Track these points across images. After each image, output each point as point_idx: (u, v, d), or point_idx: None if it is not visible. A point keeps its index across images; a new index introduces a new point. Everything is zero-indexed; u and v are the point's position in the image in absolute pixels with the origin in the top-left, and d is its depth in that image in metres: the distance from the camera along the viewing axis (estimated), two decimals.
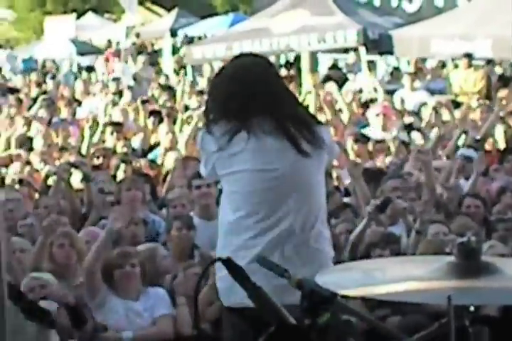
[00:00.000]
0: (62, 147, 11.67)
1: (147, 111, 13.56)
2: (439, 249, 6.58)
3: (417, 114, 13.89)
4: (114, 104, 15.08)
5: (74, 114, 15.43)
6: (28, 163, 10.75)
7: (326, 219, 4.81)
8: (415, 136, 11.82)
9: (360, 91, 16.57)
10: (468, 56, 17.26)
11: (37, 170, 10.57)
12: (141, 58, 24.98)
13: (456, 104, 14.20)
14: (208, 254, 7.00)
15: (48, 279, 6.50)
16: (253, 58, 5.03)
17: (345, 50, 20.69)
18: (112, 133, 12.00)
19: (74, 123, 13.80)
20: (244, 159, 4.60)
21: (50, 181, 9.24)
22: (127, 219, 7.04)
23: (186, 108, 13.97)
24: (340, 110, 13.89)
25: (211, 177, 5.04)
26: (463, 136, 11.19)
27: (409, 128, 12.38)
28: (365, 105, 14.77)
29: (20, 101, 16.35)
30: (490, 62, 18.58)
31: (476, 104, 14.29)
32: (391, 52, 19.64)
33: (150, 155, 11.66)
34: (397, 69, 20.41)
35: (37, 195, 9.27)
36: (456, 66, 17.96)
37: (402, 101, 15.41)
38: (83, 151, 11.40)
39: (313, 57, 20.25)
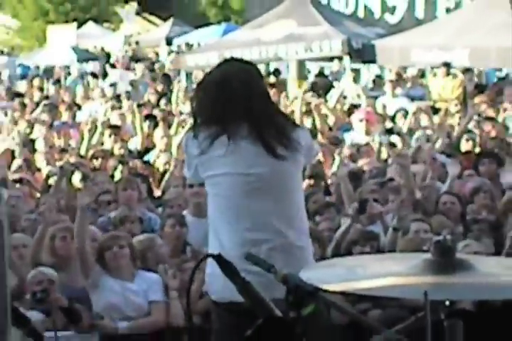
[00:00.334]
0: (63, 149, 11.68)
1: (143, 115, 13.58)
2: (417, 246, 6.60)
3: (393, 119, 13.91)
4: (112, 108, 15.09)
5: (74, 117, 15.44)
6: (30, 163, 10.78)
7: (305, 216, 4.82)
8: (395, 139, 11.84)
9: (345, 97, 16.58)
10: (447, 65, 17.31)
11: (39, 170, 10.59)
12: (140, 65, 25.02)
13: (435, 110, 14.24)
14: (199, 250, 7.04)
15: (54, 275, 6.52)
16: (240, 64, 4.97)
17: (331, 59, 20.69)
18: (110, 136, 12.02)
19: (74, 126, 13.80)
20: (225, 163, 4.58)
21: (51, 181, 9.24)
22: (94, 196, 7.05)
23: (181, 113, 13.96)
24: (326, 115, 13.91)
25: (195, 179, 5.04)
26: (439, 141, 11.27)
27: (390, 132, 12.41)
28: (350, 111, 14.81)
29: (23, 105, 16.38)
30: (467, 70, 18.62)
31: (454, 109, 14.33)
32: (374, 61, 19.68)
33: (146, 157, 11.68)
34: (379, 77, 20.42)
35: (38, 194, 9.27)
36: (435, 74, 17.98)
37: (384, 107, 15.41)
38: (82, 153, 11.41)
39: (302, 65, 20.30)
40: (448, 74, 17.23)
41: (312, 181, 9.16)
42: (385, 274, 2.90)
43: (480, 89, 17.45)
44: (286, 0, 20.59)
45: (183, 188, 8.77)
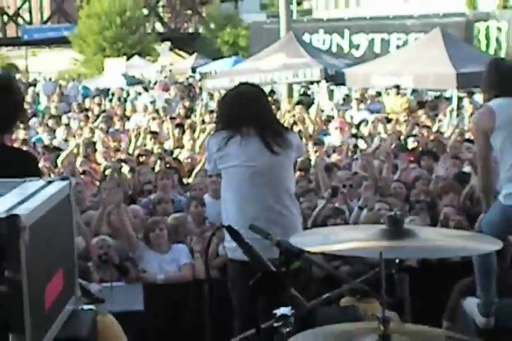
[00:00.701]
0: (116, 149, 11.69)
1: (174, 124, 13.62)
2: (377, 220, 6.61)
3: (358, 127, 13.93)
4: (153, 119, 15.13)
5: (124, 126, 15.46)
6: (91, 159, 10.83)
7: (294, 197, 4.86)
8: (360, 142, 11.87)
9: (322, 111, 16.58)
10: (397, 87, 17.30)
11: (98, 164, 10.60)
12: (172, 88, 25.03)
13: (388, 120, 14.27)
14: (215, 223, 7.06)
15: (111, 241, 6.53)
16: (249, 86, 5.06)
17: (312, 82, 20.68)
18: (150, 139, 12.04)
19: (124, 132, 13.80)
20: (236, 157, 4.64)
21: (107, 172, 9.26)
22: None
23: (203, 122, 13.96)
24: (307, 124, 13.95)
25: (214, 171, 5.05)
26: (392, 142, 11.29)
27: (355, 136, 12.43)
28: (326, 121, 14.82)
29: (87, 117, 16.43)
30: (413, 91, 18.63)
31: (402, 119, 14.35)
32: (344, 84, 19.66)
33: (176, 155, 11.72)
34: (348, 95, 20.42)
35: (97, 182, 9.27)
36: (388, 94, 17.97)
37: (351, 117, 15.47)
38: (130, 152, 11.39)
39: (290, 87, 20.28)
40: (398, 93, 17.22)
41: (302, 173, 9.15)
42: (351, 239, 2.90)
43: (421, 104, 17.43)
44: (279, 39, 20.64)
45: (205, 177, 8.79)
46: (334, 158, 10.54)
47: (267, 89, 22.41)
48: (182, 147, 12.03)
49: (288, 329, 2.71)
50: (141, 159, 10.50)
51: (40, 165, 9.35)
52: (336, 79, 19.21)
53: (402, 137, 12.18)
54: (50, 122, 15.70)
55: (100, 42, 41.69)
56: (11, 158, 3.45)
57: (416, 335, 2.58)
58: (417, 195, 8.07)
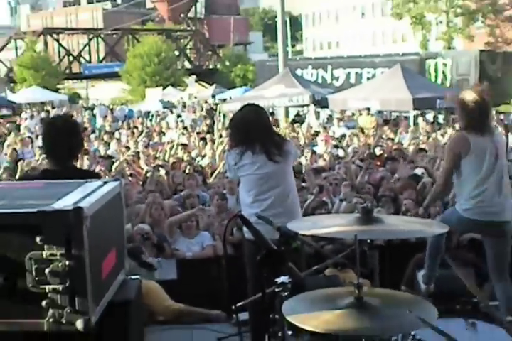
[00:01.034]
0: (155, 156, 11.67)
1: (199, 138, 13.62)
2: (353, 210, 6.59)
3: (338, 139, 13.88)
4: (182, 134, 15.11)
5: (161, 139, 15.43)
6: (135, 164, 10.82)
7: (296, 195, 4.82)
8: (340, 151, 11.83)
9: (311, 127, 16.56)
10: (367, 109, 17.30)
11: (142, 169, 10.58)
12: (198, 110, 25.04)
13: (362, 133, 14.22)
14: (232, 212, 7.03)
15: (149, 228, 6.51)
16: (253, 107, 4.94)
17: (303, 106, 20.69)
18: (181, 150, 12.01)
19: (161, 144, 13.80)
20: (247, 168, 4.61)
21: (148, 174, 9.23)
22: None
23: (220, 136, 13.94)
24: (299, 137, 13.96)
25: (234, 178, 5.01)
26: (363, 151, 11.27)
27: (336, 147, 12.38)
28: (314, 135, 14.80)
29: (133, 133, 16.42)
30: (379, 112, 18.61)
31: (371, 133, 14.32)
32: (327, 107, 19.69)
33: (200, 161, 11.68)
34: (330, 115, 20.39)
35: (141, 183, 9.25)
36: (360, 114, 17.95)
37: (334, 132, 15.46)
38: (166, 159, 11.38)
39: (287, 110, 20.28)
40: (368, 114, 17.22)
41: (296, 174, 9.04)
42: (333, 225, 2.89)
43: (386, 122, 17.42)
44: (278, 73, 20.64)
45: (222, 179, 8.77)
46: (321, 163, 10.50)
47: (268, 112, 22.46)
48: (204, 155, 12.01)
49: (286, 293, 2.71)
50: (174, 165, 10.48)
51: (97, 169, 9.40)
52: (322, 103, 19.26)
53: (371, 147, 12.15)
54: (105, 137, 15.70)
55: (143, 76, 41.79)
56: (81, 177, 3.52)
57: (384, 297, 2.58)
58: (382, 192, 8.03)
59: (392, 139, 13.28)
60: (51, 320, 2.19)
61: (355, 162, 9.79)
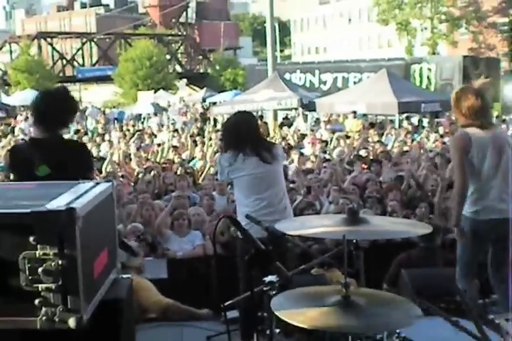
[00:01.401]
0: (146, 158, 11.64)
1: (191, 140, 13.61)
2: (341, 211, 6.60)
3: (325, 142, 13.89)
4: (173, 136, 15.08)
5: (152, 141, 15.38)
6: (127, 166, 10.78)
7: (286, 195, 4.82)
8: (326, 154, 11.85)
9: (299, 130, 16.59)
10: (354, 112, 17.35)
11: (133, 170, 10.55)
12: (188, 113, 25.00)
13: (347, 137, 14.26)
14: (220, 213, 7.02)
15: (141, 228, 6.49)
16: (245, 114, 4.98)
17: (291, 109, 20.72)
18: (172, 151, 12.00)
19: (152, 146, 13.76)
20: (241, 169, 4.62)
21: (140, 176, 9.20)
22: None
23: (210, 139, 13.92)
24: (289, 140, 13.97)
25: (226, 180, 5.01)
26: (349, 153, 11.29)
27: (324, 152, 12.40)
28: (302, 137, 14.82)
29: (125, 135, 16.36)
30: (365, 115, 18.67)
31: (357, 137, 14.35)
32: (315, 110, 19.73)
33: (191, 163, 11.67)
34: (318, 119, 20.44)
35: (132, 184, 9.23)
36: (347, 117, 18.02)
37: (321, 135, 15.46)
38: (157, 160, 11.35)
39: (275, 113, 20.32)
40: (354, 117, 17.27)
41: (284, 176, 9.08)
42: (321, 225, 2.90)
43: (371, 125, 17.51)
44: (267, 77, 20.65)
45: (212, 180, 8.77)
46: (308, 165, 10.52)
47: (257, 115, 22.48)
48: (194, 157, 11.99)
49: (274, 292, 2.71)
50: (165, 166, 10.46)
51: None
52: (309, 106, 19.29)
53: (357, 148, 12.17)
54: (97, 139, 15.65)
55: (135, 80, 41.74)
56: (67, 146, 3.97)
57: (369, 296, 2.58)
58: (369, 193, 8.05)
59: (379, 141, 13.28)
60: (44, 318, 2.18)
61: (342, 164, 9.81)
